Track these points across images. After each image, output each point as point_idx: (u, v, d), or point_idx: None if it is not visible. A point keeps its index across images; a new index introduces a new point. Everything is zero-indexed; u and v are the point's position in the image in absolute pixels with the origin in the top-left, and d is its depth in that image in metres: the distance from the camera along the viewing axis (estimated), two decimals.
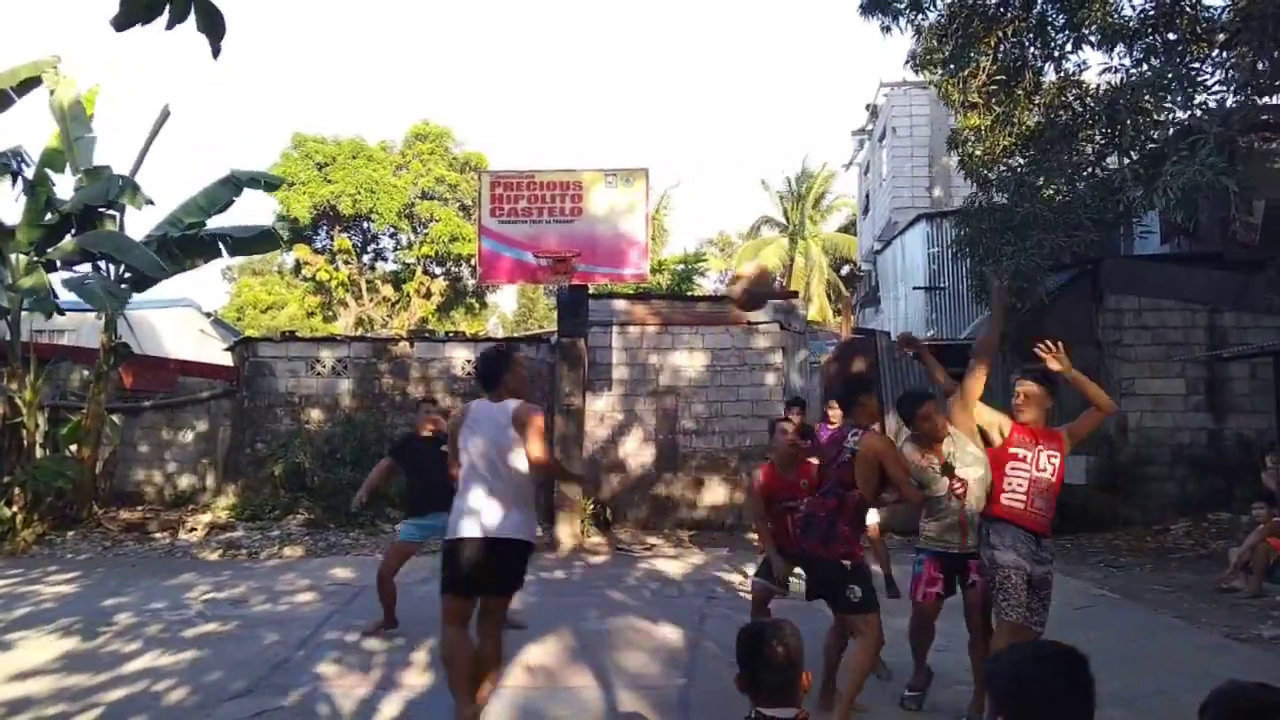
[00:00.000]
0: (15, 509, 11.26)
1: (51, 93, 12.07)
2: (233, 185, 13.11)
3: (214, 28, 3.25)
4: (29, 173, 12.05)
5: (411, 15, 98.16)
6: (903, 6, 11.46)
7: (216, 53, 3.31)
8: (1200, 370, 12.62)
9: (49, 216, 12.11)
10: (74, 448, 12.20)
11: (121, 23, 3.00)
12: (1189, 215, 9.52)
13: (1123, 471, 12.33)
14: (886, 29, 11.58)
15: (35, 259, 11.89)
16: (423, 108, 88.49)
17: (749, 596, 8.24)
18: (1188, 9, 10.09)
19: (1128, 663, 5.98)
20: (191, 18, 3.18)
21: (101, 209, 12.30)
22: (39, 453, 11.87)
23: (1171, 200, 8.69)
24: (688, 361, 13.33)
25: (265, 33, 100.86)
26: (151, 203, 12.39)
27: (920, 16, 11.62)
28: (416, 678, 5.74)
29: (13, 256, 11.95)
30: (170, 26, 3.09)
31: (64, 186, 12.41)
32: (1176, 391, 12.66)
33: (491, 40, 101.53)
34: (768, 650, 2.51)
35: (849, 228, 35.22)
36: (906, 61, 12.29)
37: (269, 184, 13.71)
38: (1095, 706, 1.94)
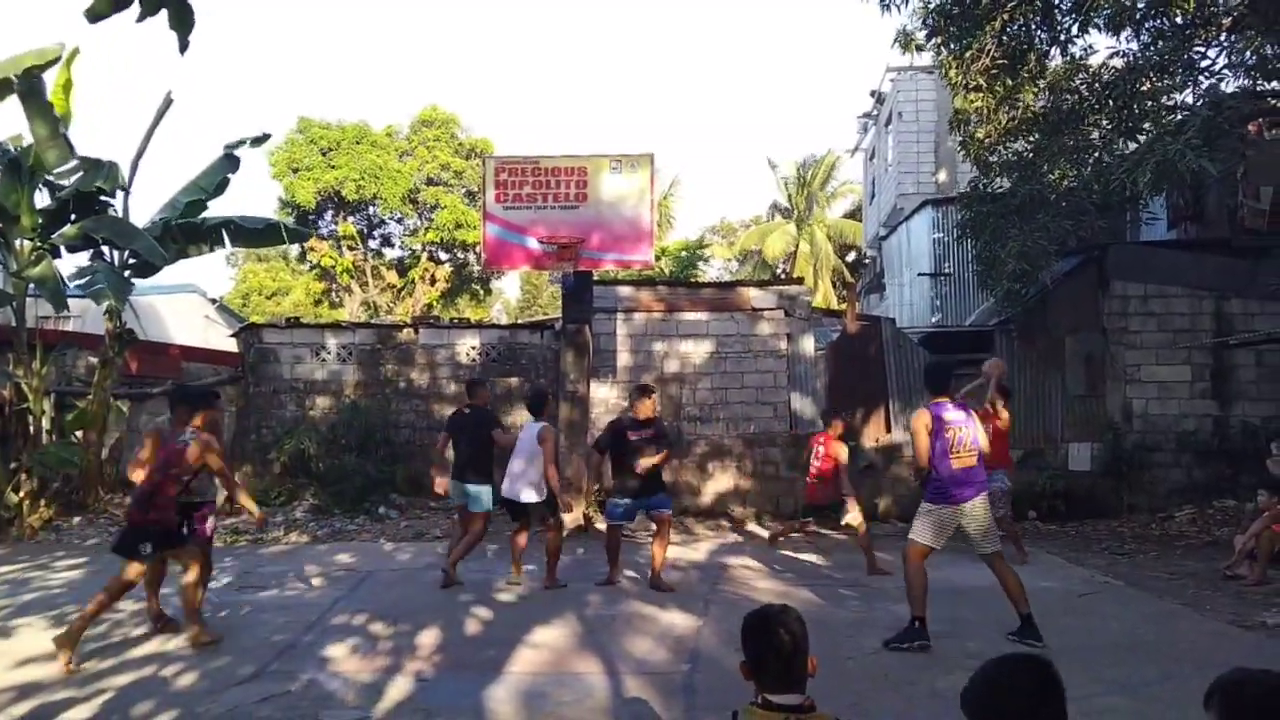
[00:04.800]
0: (22, 495, 11.31)
1: (37, 79, 11.73)
2: (228, 160, 13.06)
3: (184, 23, 3.27)
4: (27, 159, 11.96)
5: (418, 1, 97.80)
6: None
7: (184, 49, 3.34)
8: (1206, 357, 12.58)
9: (48, 202, 12.08)
10: (80, 434, 12.23)
11: (94, 14, 3.03)
12: (1156, 190, 9.59)
13: (1128, 458, 12.31)
14: (886, 7, 11.53)
15: (40, 245, 11.87)
16: (429, 93, 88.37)
17: (755, 583, 8.30)
18: None
19: (1132, 650, 5.99)
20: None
21: (102, 195, 12.24)
22: (45, 439, 11.91)
23: (1146, 178, 8.72)
24: (693, 348, 13.30)
25: (271, 16, 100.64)
26: (125, 189, 12.31)
27: None
28: (422, 662, 5.76)
29: (17, 242, 11.95)
30: (141, 19, 3.13)
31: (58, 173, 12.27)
32: (1182, 379, 12.63)
33: (498, 26, 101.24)
34: (774, 636, 2.49)
35: (855, 214, 35.11)
36: (895, 41, 12.17)
37: (255, 141, 13.60)
38: (1066, 712, 2.00)
